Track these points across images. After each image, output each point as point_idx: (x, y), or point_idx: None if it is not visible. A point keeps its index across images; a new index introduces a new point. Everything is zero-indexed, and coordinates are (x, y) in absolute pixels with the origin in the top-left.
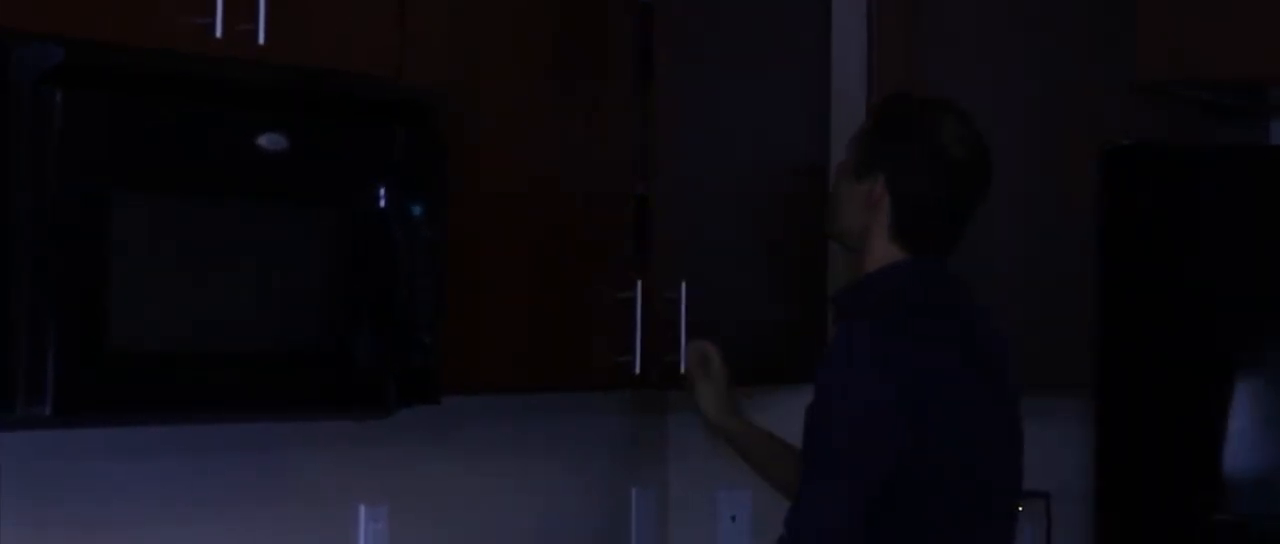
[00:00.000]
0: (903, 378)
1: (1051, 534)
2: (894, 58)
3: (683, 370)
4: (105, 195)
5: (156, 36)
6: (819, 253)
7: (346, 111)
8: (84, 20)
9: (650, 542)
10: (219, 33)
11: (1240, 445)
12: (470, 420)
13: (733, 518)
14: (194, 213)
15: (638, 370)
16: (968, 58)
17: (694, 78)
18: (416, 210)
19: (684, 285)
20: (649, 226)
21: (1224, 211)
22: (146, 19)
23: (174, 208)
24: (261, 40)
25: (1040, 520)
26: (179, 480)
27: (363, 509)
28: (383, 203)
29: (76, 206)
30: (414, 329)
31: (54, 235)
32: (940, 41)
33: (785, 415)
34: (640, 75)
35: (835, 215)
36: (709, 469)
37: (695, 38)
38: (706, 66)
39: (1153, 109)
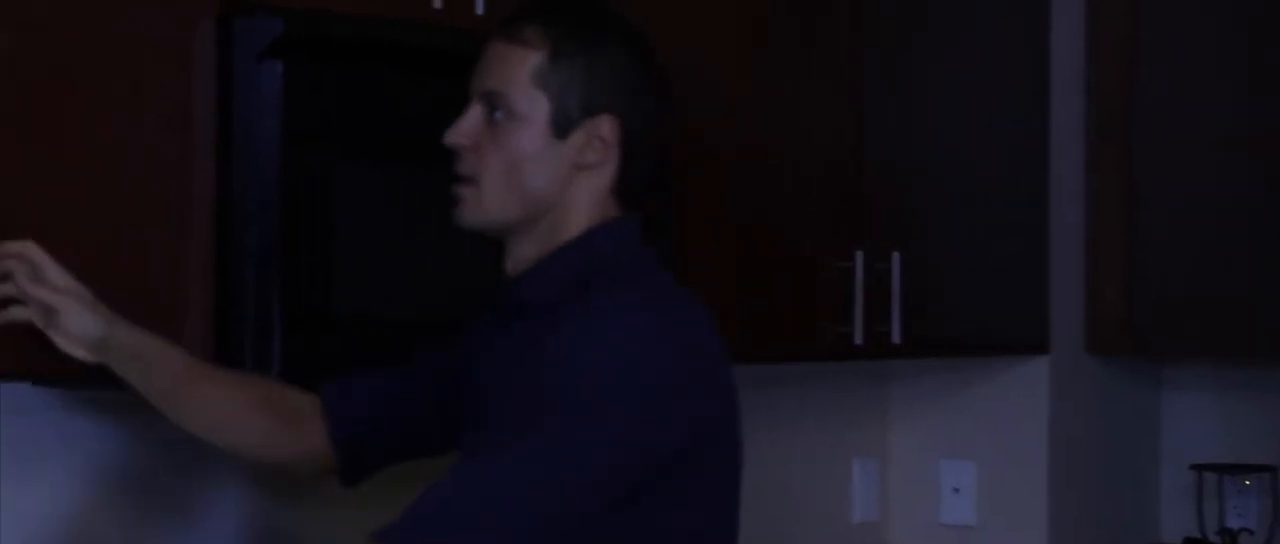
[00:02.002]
0: (689, 353)
1: (1279, 507)
2: (1113, 21)
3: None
4: (328, 165)
5: (376, 6)
6: (1038, 223)
7: None
8: None
9: (871, 512)
10: (438, 3)
11: None
12: None
13: (955, 489)
14: (414, 182)
15: (858, 340)
16: (1189, 22)
17: (909, 47)
18: None
19: (897, 256)
20: (865, 195)
21: None
22: None
23: (395, 177)
24: (480, 9)
25: (1268, 493)
26: None
27: None
28: None
29: (300, 177)
30: None
31: (278, 205)
32: (1161, 5)
33: (992, 386)
34: (855, 44)
35: (513, 191)
36: (931, 439)
37: (910, 6)
38: (921, 35)
39: None
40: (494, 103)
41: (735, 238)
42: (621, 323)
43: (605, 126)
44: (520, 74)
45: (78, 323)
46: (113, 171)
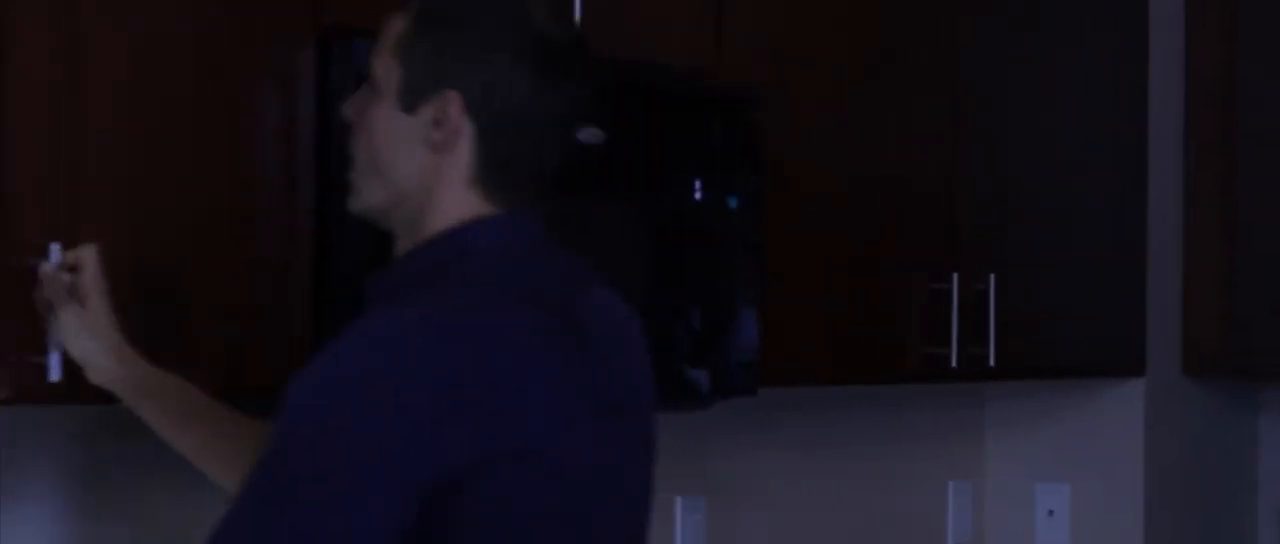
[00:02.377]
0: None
1: None
2: (1211, 45)
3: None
4: None
5: None
6: (1135, 245)
7: (663, 106)
8: None
9: (966, 535)
10: None
11: None
12: (786, 412)
13: (1051, 512)
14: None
15: (954, 363)
16: None
17: (1007, 69)
18: (733, 203)
19: (993, 278)
20: (961, 218)
21: None
22: None
23: None
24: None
25: None
26: None
27: (680, 501)
28: (699, 195)
29: None
30: (731, 321)
31: (377, 232)
32: (1259, 24)
33: (1088, 409)
34: (952, 67)
35: (374, 171)
36: (1027, 462)
37: (1006, 31)
38: (1019, 57)
39: None
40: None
41: (832, 260)
42: (368, 339)
43: (451, 103)
44: (385, 42)
45: (69, 333)
46: (213, 198)
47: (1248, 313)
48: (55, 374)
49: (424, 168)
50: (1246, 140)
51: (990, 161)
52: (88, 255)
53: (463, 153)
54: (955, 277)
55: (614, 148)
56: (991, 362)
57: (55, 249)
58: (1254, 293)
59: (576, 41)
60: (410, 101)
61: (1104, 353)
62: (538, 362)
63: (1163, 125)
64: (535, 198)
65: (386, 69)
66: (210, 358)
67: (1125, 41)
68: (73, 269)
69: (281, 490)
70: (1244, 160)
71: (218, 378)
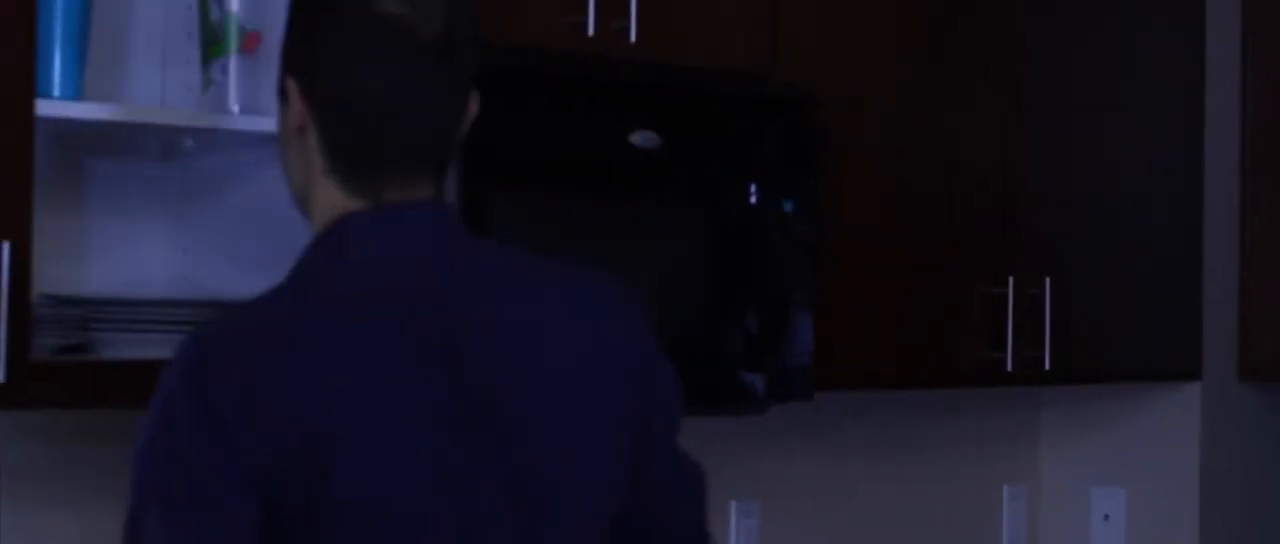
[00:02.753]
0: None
1: None
2: (1269, 51)
3: None
4: (485, 192)
5: (530, 35)
6: (1191, 249)
7: (718, 109)
8: None
9: (1021, 539)
10: (591, 31)
11: None
12: (842, 416)
13: (1106, 517)
14: (569, 209)
15: (1009, 367)
16: None
17: (1068, 75)
18: (788, 206)
19: (1049, 282)
20: (1018, 222)
21: None
22: (520, 18)
23: (550, 204)
24: (633, 38)
25: None
26: None
27: (734, 505)
28: (754, 199)
29: (461, 206)
30: (786, 325)
31: None
32: None
33: (1143, 413)
34: (1015, 72)
35: (288, 175)
36: (1082, 466)
37: (1064, 34)
38: (1080, 63)
39: None
40: None
41: (887, 264)
42: (174, 360)
43: (292, 89)
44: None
45: None
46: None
47: None
48: None
49: (297, 160)
50: None
51: (1048, 164)
52: None
53: (312, 141)
54: (1011, 280)
55: (668, 152)
56: (1047, 365)
57: None
58: None
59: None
60: (279, 91)
61: (1159, 357)
62: (333, 366)
63: (1220, 129)
64: (405, 186)
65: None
66: None
67: (1184, 45)
68: None
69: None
70: None
71: None
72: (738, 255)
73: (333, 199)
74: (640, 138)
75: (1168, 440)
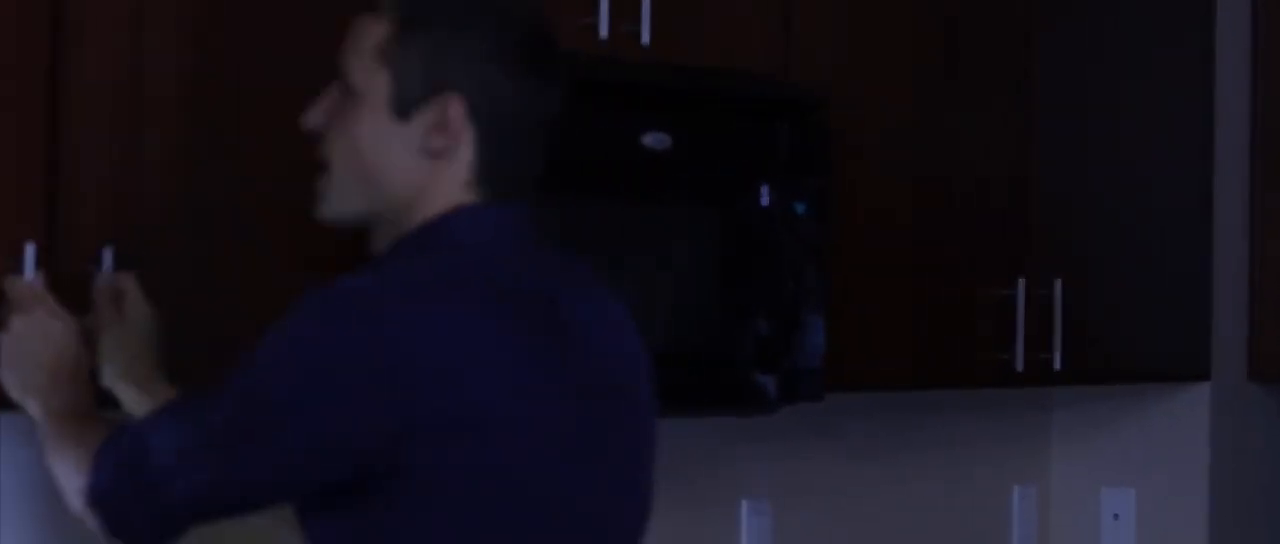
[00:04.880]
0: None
1: None
2: (1278, 51)
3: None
4: None
5: None
6: (1201, 250)
7: (730, 110)
8: None
9: (1031, 540)
10: (604, 33)
11: None
12: (852, 417)
13: (1115, 516)
14: (580, 211)
15: (1019, 367)
16: None
17: (1079, 75)
18: (800, 208)
19: (1059, 283)
20: (1029, 223)
21: None
22: None
23: (560, 207)
24: (645, 40)
25: None
26: None
27: (745, 504)
28: (766, 201)
29: None
30: (797, 326)
31: None
32: None
33: (1154, 413)
34: (1027, 73)
35: (356, 180)
36: (1092, 467)
37: (1075, 35)
38: (1092, 64)
39: None
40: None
41: (899, 265)
42: (315, 304)
43: (451, 108)
44: (364, 47)
45: (106, 351)
46: (284, 188)
47: None
48: None
49: (418, 174)
50: None
51: (1059, 165)
52: (127, 282)
53: (463, 157)
54: (1022, 281)
55: (680, 153)
56: (1057, 366)
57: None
58: None
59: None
60: (405, 109)
61: (1169, 358)
62: (480, 339)
63: (1230, 130)
64: (524, 194)
65: (368, 74)
66: None
67: (1195, 46)
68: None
69: (205, 407)
70: None
71: None
72: (749, 257)
73: (452, 196)
74: (652, 139)
75: (1177, 441)
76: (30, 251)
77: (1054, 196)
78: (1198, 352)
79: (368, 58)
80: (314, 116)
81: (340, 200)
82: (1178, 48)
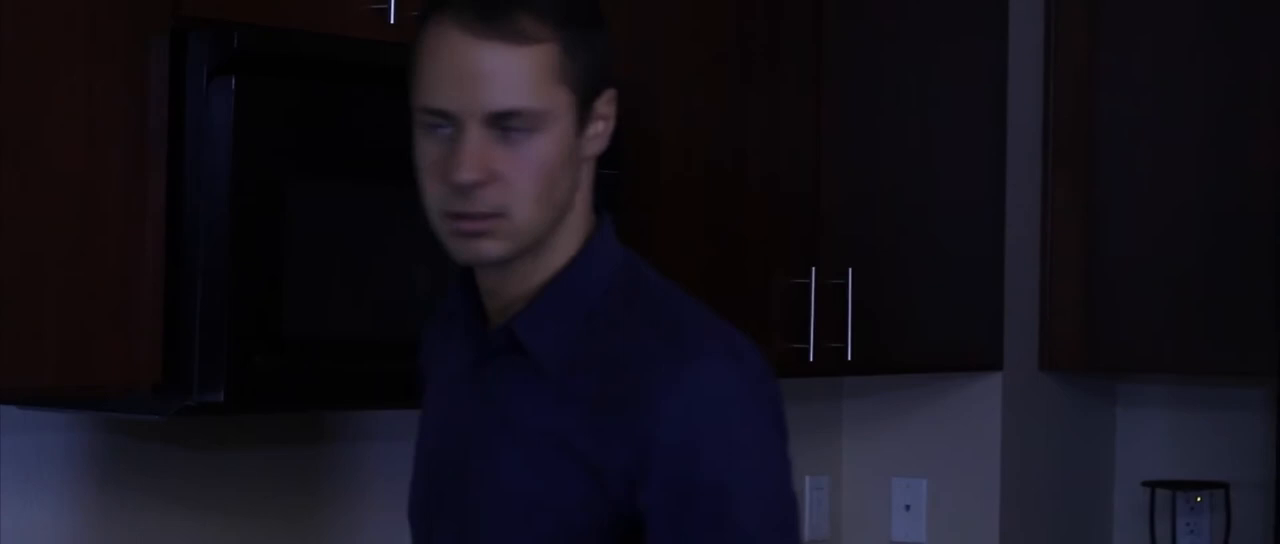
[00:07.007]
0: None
1: (1231, 524)
2: (1071, 45)
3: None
4: (280, 183)
5: (332, 23)
6: (993, 241)
7: None
8: (259, 7)
9: (822, 530)
10: (393, 19)
11: None
12: None
13: (907, 507)
14: (367, 200)
15: (812, 357)
16: (1147, 48)
17: (870, 66)
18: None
19: (851, 272)
20: (821, 212)
21: None
22: (322, 6)
23: (348, 195)
24: None
25: (1220, 510)
26: (350, 467)
27: None
28: None
29: (252, 194)
30: None
31: (228, 222)
32: (1120, 31)
33: (945, 404)
34: (817, 64)
35: (546, 208)
36: (884, 457)
37: (869, 27)
38: (882, 54)
39: None
40: (506, 121)
41: (692, 252)
42: (746, 395)
43: (607, 104)
44: (535, 74)
45: None
46: (63, 185)
47: (1105, 308)
48: None
49: (577, 180)
50: (1107, 136)
51: (852, 156)
52: None
53: (593, 162)
54: (814, 270)
55: None
56: (849, 356)
57: None
58: (1111, 288)
59: None
60: (584, 121)
61: (962, 347)
62: None
63: (1023, 122)
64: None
65: (554, 100)
66: (57, 349)
67: (989, 41)
68: None
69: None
70: (1103, 157)
71: (61, 372)
72: None
73: (585, 220)
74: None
75: (969, 431)
76: None
77: (847, 187)
78: (990, 342)
79: (546, 83)
80: (473, 171)
81: (528, 235)
82: (972, 41)
